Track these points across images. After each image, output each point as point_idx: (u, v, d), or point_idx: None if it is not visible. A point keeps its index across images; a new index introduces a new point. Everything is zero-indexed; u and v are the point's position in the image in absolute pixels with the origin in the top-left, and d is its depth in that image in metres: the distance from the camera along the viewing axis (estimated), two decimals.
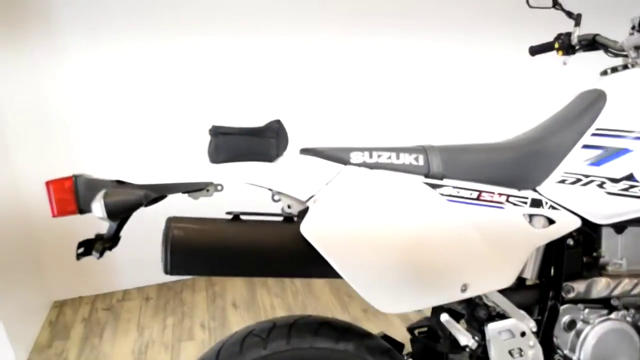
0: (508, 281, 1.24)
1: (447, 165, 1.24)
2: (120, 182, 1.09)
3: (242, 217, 1.14)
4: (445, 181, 1.22)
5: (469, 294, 1.20)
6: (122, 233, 1.17)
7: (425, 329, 1.51)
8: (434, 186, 1.20)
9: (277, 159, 1.16)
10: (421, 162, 1.21)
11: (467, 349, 1.24)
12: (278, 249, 1.08)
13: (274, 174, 1.13)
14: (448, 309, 1.32)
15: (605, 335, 1.37)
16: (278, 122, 1.16)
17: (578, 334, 1.38)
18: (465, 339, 1.23)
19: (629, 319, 1.42)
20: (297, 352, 1.24)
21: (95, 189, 1.06)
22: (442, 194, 1.20)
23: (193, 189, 1.14)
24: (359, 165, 1.18)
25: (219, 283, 3.09)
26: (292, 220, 1.14)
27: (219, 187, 1.18)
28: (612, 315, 1.40)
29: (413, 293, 1.14)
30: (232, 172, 1.13)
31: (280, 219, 1.15)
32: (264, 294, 2.95)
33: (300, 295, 2.90)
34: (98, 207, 1.01)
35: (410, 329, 1.46)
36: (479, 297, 1.27)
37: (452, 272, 1.17)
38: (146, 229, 2.96)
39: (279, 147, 1.17)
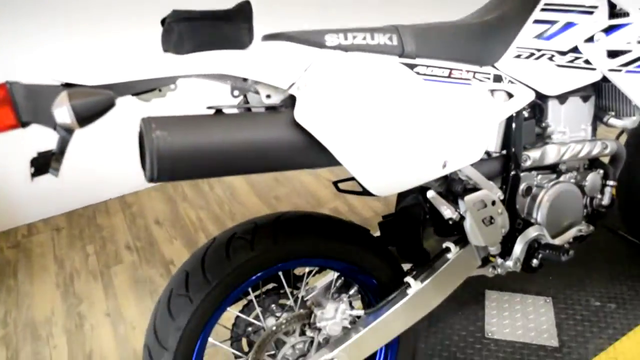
0: (479, 154, 1.28)
1: (419, 44, 1.21)
2: (69, 85, 0.93)
3: (224, 110, 1.05)
4: (417, 60, 1.20)
5: (448, 170, 1.23)
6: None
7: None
8: (409, 65, 1.18)
9: (249, 45, 1.07)
10: (395, 41, 1.18)
11: (450, 222, 1.29)
12: (273, 141, 1.01)
13: (249, 62, 1.03)
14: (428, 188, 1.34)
15: (557, 196, 1.48)
16: (248, 3, 1.06)
17: (534, 199, 1.48)
18: (449, 212, 1.27)
19: (573, 180, 1.55)
20: (285, 249, 1.22)
21: (38, 96, 0.91)
22: (418, 73, 1.18)
23: (145, 88, 1.01)
24: (334, 48, 1.12)
25: (135, 203, 2.93)
26: (277, 111, 1.07)
27: (172, 86, 1.06)
28: (561, 179, 1.52)
29: (405, 173, 1.15)
30: (203, 62, 1.01)
31: (262, 110, 1.07)
32: (187, 207, 2.85)
33: (226, 204, 2.84)
34: (64, 111, 0.86)
35: (401, 209, 1.47)
36: (454, 172, 1.31)
37: (434, 149, 1.18)
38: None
39: (250, 33, 1.07)
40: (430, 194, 1.26)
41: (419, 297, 1.32)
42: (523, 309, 1.93)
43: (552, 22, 1.38)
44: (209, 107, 1.05)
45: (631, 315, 1.89)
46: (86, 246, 2.61)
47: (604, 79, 1.47)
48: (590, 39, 1.40)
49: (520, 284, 2.05)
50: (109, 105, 0.90)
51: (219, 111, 1.04)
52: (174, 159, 0.95)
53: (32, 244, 2.66)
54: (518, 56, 1.36)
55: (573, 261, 2.15)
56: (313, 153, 1.05)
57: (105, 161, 2.89)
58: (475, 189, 1.32)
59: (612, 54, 1.44)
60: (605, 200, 1.61)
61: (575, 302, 1.95)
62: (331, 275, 1.42)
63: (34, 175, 1.04)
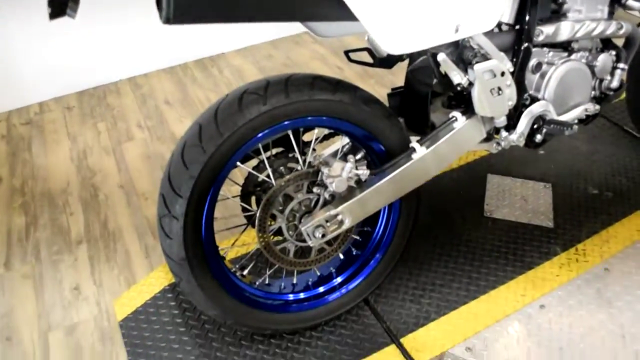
0: (492, 23, 1.28)
1: None
2: None
3: None
4: None
5: (460, 35, 1.23)
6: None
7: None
8: None
9: None
10: None
11: (459, 87, 1.31)
12: None
13: None
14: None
15: (566, 75, 1.49)
16: None
17: (543, 75, 1.49)
18: (458, 77, 1.29)
19: (584, 60, 1.55)
20: (296, 105, 1.25)
21: None
22: None
23: None
24: None
25: (145, 84, 2.94)
26: None
27: None
28: (572, 57, 1.52)
29: (417, 33, 1.16)
30: None
31: None
32: (196, 89, 2.86)
33: (235, 86, 2.82)
34: None
35: (410, 71, 1.48)
36: (466, 40, 1.31)
37: (447, 11, 1.19)
38: (53, 32, 2.69)
39: None
40: (441, 56, 1.27)
41: (423, 162, 1.36)
42: (523, 192, 1.99)
43: None
44: None
45: (627, 204, 1.95)
46: (97, 124, 2.66)
47: None
48: None
49: (522, 170, 2.10)
50: None
51: None
52: None
53: (44, 121, 2.71)
54: None
55: (576, 152, 2.19)
56: (329, 4, 1.06)
57: (116, 42, 2.87)
58: (486, 58, 1.33)
59: None
60: (615, 83, 1.62)
61: (574, 190, 2.01)
62: (339, 143, 1.47)
63: (51, 16, 1.06)
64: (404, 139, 1.40)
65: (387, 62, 1.58)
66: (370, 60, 1.56)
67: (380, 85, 2.76)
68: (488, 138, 1.53)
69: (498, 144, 1.53)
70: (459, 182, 2.06)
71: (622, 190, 2.01)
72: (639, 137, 2.24)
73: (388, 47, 1.13)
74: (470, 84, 1.32)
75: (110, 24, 2.80)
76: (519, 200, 1.96)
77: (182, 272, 1.31)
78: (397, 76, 2.71)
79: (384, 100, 1.47)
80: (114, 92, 2.91)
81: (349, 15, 1.07)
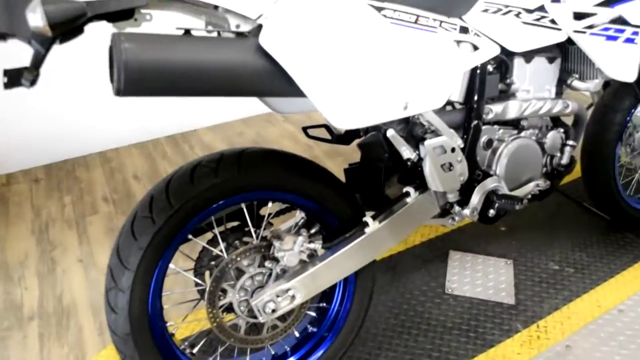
0: (441, 101, 1.32)
1: None
2: None
3: (193, 32, 1.08)
4: (386, 4, 1.24)
5: (409, 112, 1.27)
6: None
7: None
8: (377, 8, 1.22)
9: None
10: None
11: (408, 162, 1.34)
12: (238, 64, 1.05)
13: None
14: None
15: (516, 151, 1.54)
16: None
17: (494, 152, 1.54)
18: (408, 152, 1.32)
19: (534, 137, 1.61)
20: (248, 179, 1.26)
21: (14, 6, 0.94)
22: (385, 16, 1.22)
23: (118, 7, 1.04)
24: None
25: (115, 158, 2.95)
26: (244, 36, 1.11)
27: (148, 17, 1.10)
28: (522, 134, 1.57)
29: (366, 109, 1.19)
30: None
31: (231, 36, 1.11)
32: (166, 164, 2.88)
33: None
34: (37, 15, 0.89)
35: (360, 145, 1.51)
36: (416, 117, 1.35)
37: (396, 90, 1.23)
38: (26, 104, 2.72)
39: None
40: (390, 132, 1.30)
41: (376, 236, 1.37)
42: (484, 269, 1.99)
43: None
44: (178, 28, 1.08)
45: (588, 280, 1.96)
46: (63, 197, 2.64)
47: (569, 42, 1.52)
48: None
49: (484, 247, 2.11)
50: (81, 14, 0.94)
51: (187, 32, 1.08)
52: (141, 71, 0.98)
53: (10, 193, 2.68)
54: (486, 10, 1.40)
55: (537, 228, 2.21)
56: (276, 80, 1.09)
57: (87, 115, 2.91)
58: (436, 135, 1.37)
59: (578, 16, 1.48)
60: (565, 160, 1.67)
61: (535, 265, 2.02)
62: (295, 219, 1.47)
63: (6, 86, 1.07)
64: (358, 213, 1.41)
65: (345, 138, 1.62)
66: (328, 136, 1.60)
67: (347, 163, 2.80)
68: (444, 213, 1.55)
69: (452, 218, 1.54)
70: (421, 258, 2.05)
71: (583, 266, 2.02)
72: (597, 213, 2.28)
73: (335, 122, 1.16)
74: (421, 159, 1.35)
75: (82, 97, 2.84)
76: (481, 277, 1.95)
77: (126, 349, 1.26)
78: None
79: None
80: (83, 165, 2.91)
81: (298, 91, 1.11)
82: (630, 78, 1.58)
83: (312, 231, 1.41)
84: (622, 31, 1.54)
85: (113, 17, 1.04)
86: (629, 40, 1.55)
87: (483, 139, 1.51)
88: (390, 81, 1.21)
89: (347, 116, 1.18)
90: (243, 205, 1.33)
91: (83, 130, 2.94)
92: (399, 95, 1.24)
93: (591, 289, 1.92)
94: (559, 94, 1.65)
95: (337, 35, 1.12)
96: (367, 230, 1.36)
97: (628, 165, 2.21)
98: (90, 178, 2.79)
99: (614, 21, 1.52)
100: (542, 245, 2.12)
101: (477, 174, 1.50)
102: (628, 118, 2.01)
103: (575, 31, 1.49)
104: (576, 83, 1.62)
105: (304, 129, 1.60)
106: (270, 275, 1.36)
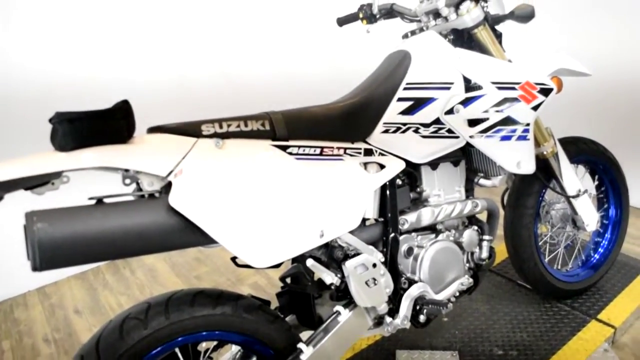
0: (355, 222, 1.41)
1: (290, 127, 1.35)
2: None
3: (105, 200, 1.14)
4: (290, 142, 1.34)
5: (326, 239, 1.35)
6: None
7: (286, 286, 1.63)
8: (281, 147, 1.31)
9: (128, 139, 1.17)
10: (267, 127, 1.31)
11: (332, 287, 1.39)
12: (150, 225, 1.10)
13: (129, 154, 1.13)
14: (308, 257, 1.44)
15: (437, 254, 1.62)
16: (126, 102, 1.17)
17: (416, 258, 1.61)
18: (330, 277, 1.38)
19: (451, 238, 1.70)
20: (177, 325, 1.28)
21: None
22: (290, 153, 1.31)
23: (37, 183, 1.09)
24: (210, 136, 1.24)
25: (55, 293, 2.89)
26: (155, 197, 1.17)
27: (65, 179, 1.15)
28: (439, 237, 1.67)
29: (280, 245, 1.25)
30: (85, 157, 1.11)
31: (143, 197, 1.16)
32: (107, 294, 2.83)
33: (147, 287, 2.85)
34: None
35: (282, 279, 1.55)
36: (334, 240, 1.42)
37: (310, 221, 1.30)
38: None
39: (129, 127, 1.17)
40: (310, 262, 1.36)
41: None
42: None
43: (414, 99, 1.54)
44: (91, 198, 1.13)
45: None
46: (1, 342, 2.54)
47: (469, 144, 1.65)
48: (450, 111, 1.58)
49: (429, 341, 2.15)
50: None
51: (100, 201, 1.13)
52: (54, 249, 1.02)
53: None
54: (386, 131, 1.52)
55: (478, 313, 2.28)
56: (188, 234, 1.15)
57: (22, 253, 2.86)
58: (357, 253, 1.44)
59: (472, 123, 1.62)
60: (484, 254, 1.77)
61: (480, 354, 2.06)
62: (232, 352, 1.48)
63: None
64: (291, 340, 1.43)
65: None
66: None
67: None
68: (379, 322, 1.59)
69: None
70: None
71: (525, 346, 2.08)
72: (531, 289, 2.38)
73: (254, 262, 1.22)
74: (343, 281, 1.40)
75: (15, 237, 2.80)
76: None
77: None
78: None
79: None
80: (22, 304, 2.83)
81: (211, 240, 1.16)
82: (529, 170, 1.72)
83: None
84: (514, 130, 1.68)
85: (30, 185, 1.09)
86: (522, 138, 1.69)
87: (403, 248, 1.59)
88: (302, 214, 1.28)
89: (264, 255, 1.23)
90: (177, 350, 1.34)
91: (17, 269, 2.87)
92: (314, 225, 1.31)
93: None
94: (469, 190, 1.77)
95: (243, 182, 1.20)
96: (302, 357, 1.38)
97: (551, 240, 2.34)
98: (29, 318, 2.71)
99: (505, 122, 1.66)
100: (484, 332, 2.18)
101: (402, 282, 1.57)
102: (540, 198, 2.16)
103: (472, 136, 1.62)
104: (482, 181, 1.75)
105: (232, 259, 1.64)
106: None
